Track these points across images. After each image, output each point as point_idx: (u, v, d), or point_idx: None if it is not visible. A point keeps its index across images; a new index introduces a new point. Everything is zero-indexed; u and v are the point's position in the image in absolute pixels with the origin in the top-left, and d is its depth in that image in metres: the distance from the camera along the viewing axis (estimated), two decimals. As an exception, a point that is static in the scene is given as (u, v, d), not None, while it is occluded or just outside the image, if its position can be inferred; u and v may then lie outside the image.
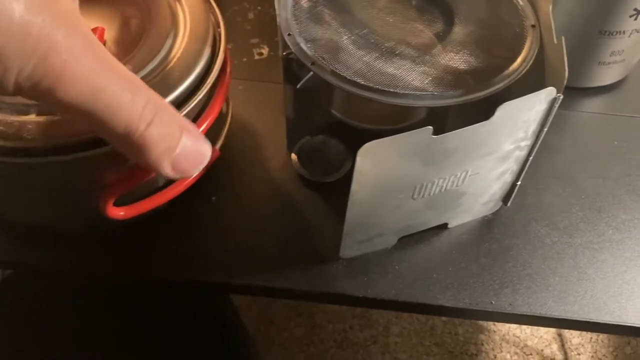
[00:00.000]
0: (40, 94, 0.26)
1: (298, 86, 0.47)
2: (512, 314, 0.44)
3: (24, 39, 0.24)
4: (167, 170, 0.31)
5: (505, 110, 0.37)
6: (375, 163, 0.37)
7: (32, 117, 0.38)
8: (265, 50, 0.61)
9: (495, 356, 0.82)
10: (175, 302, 0.55)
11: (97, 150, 0.38)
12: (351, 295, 0.44)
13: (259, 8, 0.66)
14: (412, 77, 0.43)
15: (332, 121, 0.53)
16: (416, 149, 0.37)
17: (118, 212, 0.42)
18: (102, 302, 0.57)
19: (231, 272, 0.46)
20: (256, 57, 0.61)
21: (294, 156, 0.51)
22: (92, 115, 0.27)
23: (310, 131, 0.52)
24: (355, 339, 0.70)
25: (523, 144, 0.42)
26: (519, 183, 0.47)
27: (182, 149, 0.31)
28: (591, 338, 1.07)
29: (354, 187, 0.38)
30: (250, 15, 0.65)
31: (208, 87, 0.42)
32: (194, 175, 0.34)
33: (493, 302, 0.44)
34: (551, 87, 0.38)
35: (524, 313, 0.44)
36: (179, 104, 0.41)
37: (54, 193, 0.43)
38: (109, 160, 0.39)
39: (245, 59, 0.60)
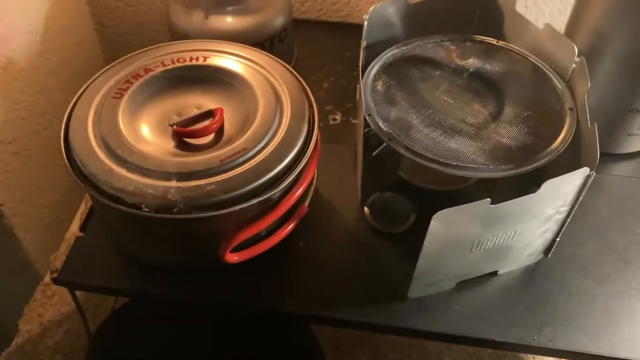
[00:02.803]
0: None
1: (373, 154, 0.57)
2: (552, 349, 0.53)
3: None
4: None
5: (549, 185, 0.46)
6: (444, 225, 0.46)
7: (173, 183, 0.48)
8: (338, 117, 0.72)
9: (534, 387, 0.89)
10: (265, 330, 0.63)
11: (224, 211, 0.47)
12: (419, 330, 0.53)
13: (332, 78, 0.77)
14: (470, 152, 0.53)
15: (399, 180, 0.63)
16: (477, 215, 0.47)
17: (233, 257, 0.52)
18: (197, 330, 0.65)
19: (317, 306, 0.55)
20: (331, 122, 0.71)
21: (366, 209, 0.61)
22: None
23: (380, 188, 0.62)
24: (412, 366, 0.79)
25: (562, 209, 0.51)
26: (557, 239, 0.55)
27: None
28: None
29: (426, 243, 0.47)
30: (325, 85, 0.76)
31: (307, 158, 0.52)
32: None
33: (536, 339, 0.53)
34: (586, 167, 0.47)
35: (563, 349, 0.53)
36: (284, 173, 0.50)
37: (184, 241, 0.53)
38: (231, 218, 0.49)
39: (321, 124, 0.70)
